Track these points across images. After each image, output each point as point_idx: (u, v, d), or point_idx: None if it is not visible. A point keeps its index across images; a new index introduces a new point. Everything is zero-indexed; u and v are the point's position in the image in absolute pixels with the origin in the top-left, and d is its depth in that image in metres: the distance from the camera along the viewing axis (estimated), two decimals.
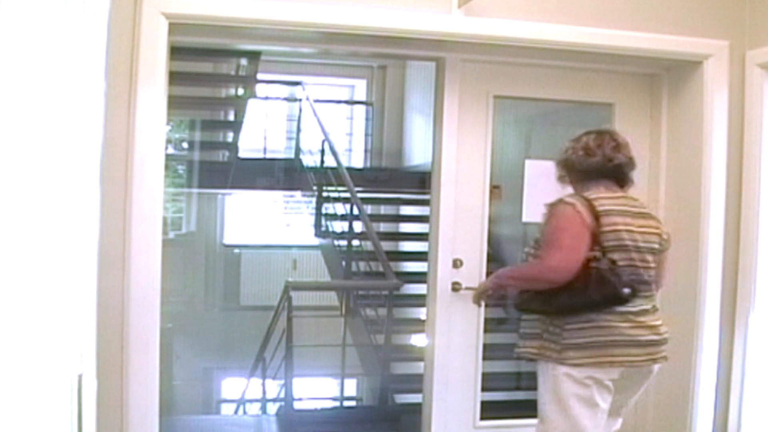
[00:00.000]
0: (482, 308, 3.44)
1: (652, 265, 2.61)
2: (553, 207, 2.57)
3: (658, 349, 2.60)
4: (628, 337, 2.53)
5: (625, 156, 2.64)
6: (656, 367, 2.63)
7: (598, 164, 2.61)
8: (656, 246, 2.62)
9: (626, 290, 2.50)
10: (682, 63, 3.30)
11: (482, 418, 3.55)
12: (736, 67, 3.24)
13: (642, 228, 2.59)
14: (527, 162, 3.76)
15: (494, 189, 3.67)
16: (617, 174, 2.63)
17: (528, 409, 3.00)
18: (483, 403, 3.58)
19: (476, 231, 3.44)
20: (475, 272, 3.45)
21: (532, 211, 3.53)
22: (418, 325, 4.77)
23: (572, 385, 2.50)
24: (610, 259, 2.51)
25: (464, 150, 3.41)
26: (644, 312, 2.57)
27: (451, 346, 3.44)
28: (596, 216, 2.52)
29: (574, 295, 2.49)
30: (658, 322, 2.61)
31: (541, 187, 3.87)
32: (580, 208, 2.51)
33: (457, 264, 3.40)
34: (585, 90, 3.58)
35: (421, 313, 4.18)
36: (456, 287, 3.40)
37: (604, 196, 2.58)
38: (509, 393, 4.63)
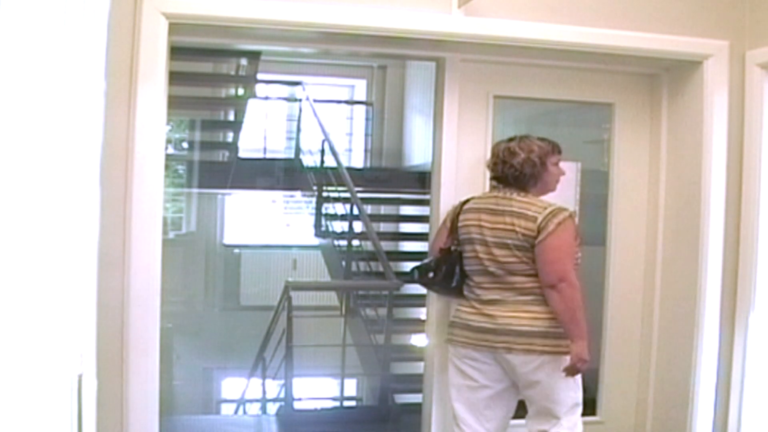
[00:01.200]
0: None
1: (503, 259, 2.85)
2: None
3: (497, 338, 2.83)
4: (464, 321, 2.94)
5: (516, 162, 2.92)
6: (512, 358, 2.82)
7: (494, 170, 2.99)
8: (508, 242, 2.84)
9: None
10: (682, 63, 3.30)
11: None
12: (736, 67, 3.24)
13: (493, 225, 2.88)
14: None
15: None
16: (507, 179, 2.94)
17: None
18: None
19: None
20: None
21: None
22: (418, 325, 4.78)
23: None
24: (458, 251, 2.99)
25: (464, 150, 3.41)
26: (492, 302, 2.88)
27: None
28: (457, 213, 3.03)
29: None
30: (502, 313, 2.85)
31: None
32: (449, 211, 3.13)
33: None
34: (585, 90, 3.57)
35: (421, 313, 4.18)
36: None
37: (477, 197, 3.04)
38: None
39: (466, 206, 3.00)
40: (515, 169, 2.90)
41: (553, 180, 3.02)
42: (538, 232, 2.80)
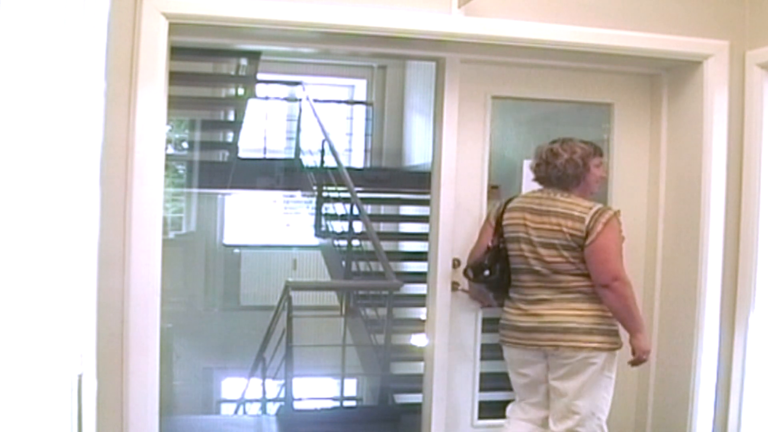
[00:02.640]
0: (479, 309, 3.50)
1: (549, 258, 2.89)
2: None
3: (543, 335, 2.90)
4: (512, 323, 3.00)
5: (560, 163, 2.95)
6: (560, 353, 2.88)
7: (537, 171, 3.03)
8: (555, 242, 2.88)
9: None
10: (682, 63, 3.30)
11: (480, 417, 3.56)
12: (736, 67, 3.24)
13: (538, 224, 2.92)
14: (526, 162, 3.79)
15: (492, 189, 3.69)
16: (552, 179, 2.98)
17: None
18: (481, 402, 3.59)
19: (475, 231, 3.44)
20: None
21: None
22: (418, 325, 4.77)
23: None
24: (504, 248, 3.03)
25: (463, 150, 3.41)
26: (538, 301, 2.92)
27: (451, 345, 3.44)
28: (502, 211, 3.07)
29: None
30: (548, 311, 2.91)
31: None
32: (492, 209, 3.22)
33: (455, 264, 3.39)
34: (584, 90, 3.58)
35: (421, 313, 4.18)
36: (455, 287, 3.40)
37: (525, 196, 3.08)
38: (508, 393, 4.63)
39: (510, 205, 3.04)
40: (558, 170, 2.94)
41: (595, 181, 3.03)
42: (587, 233, 2.84)
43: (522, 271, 2.96)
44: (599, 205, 2.91)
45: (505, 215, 3.03)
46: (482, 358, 3.57)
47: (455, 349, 3.47)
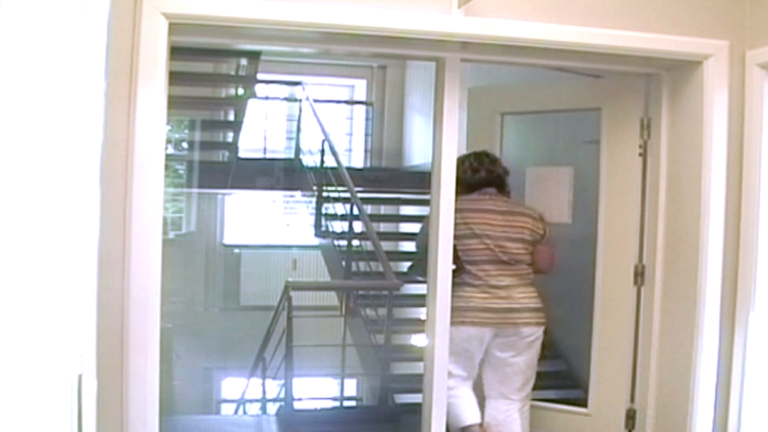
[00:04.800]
0: None
1: (515, 251, 3.49)
2: None
3: (519, 315, 3.47)
4: (482, 304, 3.45)
5: (500, 169, 3.62)
6: (526, 330, 3.48)
7: (480, 177, 3.56)
8: (520, 237, 3.50)
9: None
10: (682, 63, 3.30)
11: None
12: (736, 67, 3.23)
13: (504, 222, 3.48)
14: (527, 169, 4.10)
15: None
16: (494, 183, 3.58)
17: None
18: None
19: None
20: None
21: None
22: (418, 325, 4.77)
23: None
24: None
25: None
26: (504, 287, 3.44)
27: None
28: (461, 213, 3.41)
29: None
30: (516, 294, 3.48)
31: (539, 189, 4.00)
32: None
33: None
34: (578, 96, 3.63)
35: (421, 313, 4.19)
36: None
37: (469, 199, 3.52)
38: None
39: (460, 206, 3.38)
40: (499, 176, 3.59)
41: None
42: (544, 231, 3.60)
43: (486, 262, 3.48)
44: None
45: (459, 215, 3.36)
46: None
47: None
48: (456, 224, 3.32)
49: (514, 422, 3.55)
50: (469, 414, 3.52)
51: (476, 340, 3.48)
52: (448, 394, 3.41)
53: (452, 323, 3.35)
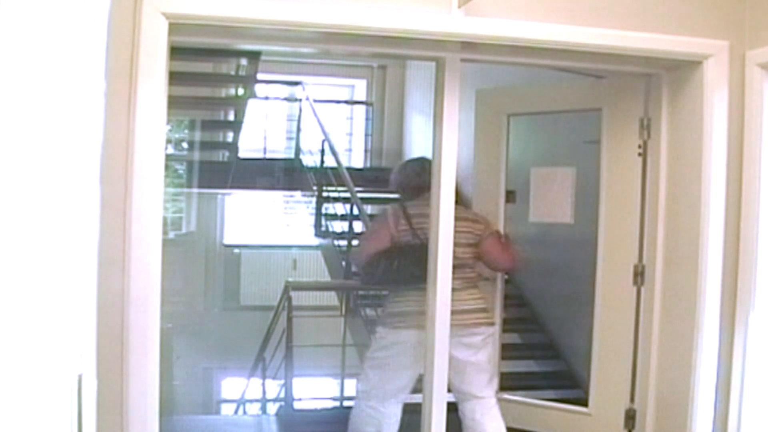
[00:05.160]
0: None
1: (463, 255, 3.51)
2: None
3: (472, 316, 3.54)
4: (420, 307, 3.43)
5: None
6: (480, 329, 3.57)
7: (423, 182, 3.54)
8: (465, 240, 3.54)
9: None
10: (682, 63, 3.30)
11: None
12: (736, 67, 3.23)
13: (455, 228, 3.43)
14: (532, 169, 4.16)
15: (509, 194, 4.17)
16: (428, 187, 3.47)
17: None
18: None
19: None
20: None
21: (537, 212, 3.82)
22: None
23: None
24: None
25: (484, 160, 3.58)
26: (454, 290, 3.38)
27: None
28: (407, 217, 3.55)
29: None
30: (466, 296, 3.53)
31: (543, 190, 4.04)
32: (390, 213, 3.63)
33: None
34: (579, 97, 3.63)
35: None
36: None
37: (414, 204, 3.60)
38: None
39: (412, 211, 3.58)
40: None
41: None
42: (483, 231, 3.65)
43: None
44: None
45: (407, 221, 3.54)
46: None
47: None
48: (404, 230, 3.51)
49: (493, 418, 3.62)
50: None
51: (415, 344, 3.48)
52: (369, 413, 3.59)
53: (408, 327, 3.48)
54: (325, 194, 7.41)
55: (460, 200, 3.71)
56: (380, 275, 3.58)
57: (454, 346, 3.47)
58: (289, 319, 5.18)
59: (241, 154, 8.07)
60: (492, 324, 3.66)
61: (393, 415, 3.62)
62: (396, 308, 3.56)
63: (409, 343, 3.49)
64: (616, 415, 3.69)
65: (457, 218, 3.43)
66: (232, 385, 8.62)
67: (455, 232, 3.41)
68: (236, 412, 7.30)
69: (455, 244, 3.40)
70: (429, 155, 3.44)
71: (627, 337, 3.65)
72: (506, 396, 4.09)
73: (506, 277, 4.28)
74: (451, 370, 3.49)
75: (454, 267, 3.39)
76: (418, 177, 3.64)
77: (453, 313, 3.40)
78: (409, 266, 3.47)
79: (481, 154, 4.22)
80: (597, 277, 3.81)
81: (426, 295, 3.37)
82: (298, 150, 8.25)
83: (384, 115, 9.68)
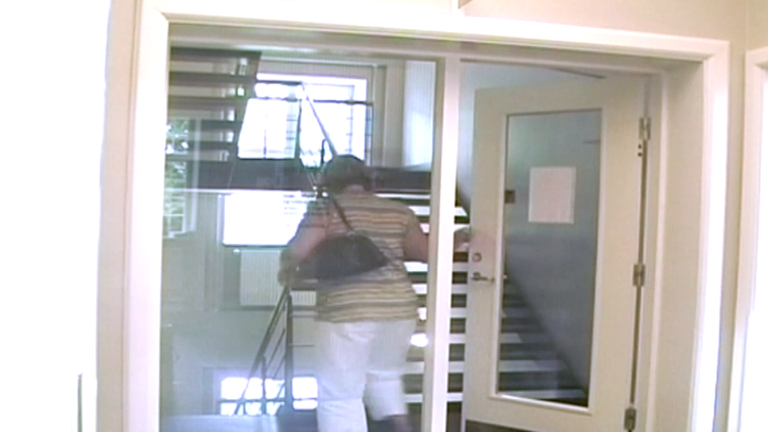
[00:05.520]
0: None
1: (393, 246, 3.61)
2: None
3: (405, 308, 3.60)
4: (372, 300, 3.53)
5: (364, 168, 3.87)
6: (410, 321, 3.64)
7: (348, 174, 3.75)
8: (395, 231, 3.64)
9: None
10: (682, 63, 3.30)
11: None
12: (736, 67, 3.23)
13: (382, 219, 3.61)
14: (531, 169, 4.17)
15: (508, 193, 4.17)
16: (360, 181, 3.75)
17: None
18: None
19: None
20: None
21: (536, 212, 3.83)
22: (419, 325, 4.77)
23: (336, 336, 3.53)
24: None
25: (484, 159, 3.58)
26: (388, 281, 3.55)
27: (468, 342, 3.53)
28: (340, 210, 3.57)
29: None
30: (399, 289, 3.60)
31: (542, 190, 4.05)
32: (322, 207, 3.65)
33: (475, 258, 3.80)
34: (579, 97, 3.63)
35: (421, 313, 4.19)
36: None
37: (344, 197, 3.67)
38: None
39: (345, 204, 3.62)
40: (363, 173, 3.83)
41: None
42: (410, 222, 3.71)
43: (371, 261, 3.54)
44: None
45: (340, 214, 3.58)
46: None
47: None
48: (337, 223, 3.56)
49: (398, 396, 3.75)
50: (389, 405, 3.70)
51: (372, 333, 3.55)
52: (336, 412, 3.59)
53: (345, 320, 3.50)
54: (325, 194, 7.40)
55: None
56: (318, 270, 3.61)
57: (385, 336, 3.56)
58: (289, 319, 5.19)
59: (241, 154, 8.06)
60: (417, 316, 3.69)
61: (358, 409, 3.62)
62: (337, 302, 3.55)
63: (355, 335, 3.52)
64: (616, 415, 3.69)
65: (382, 209, 3.68)
66: (232, 385, 8.61)
67: (383, 222, 3.60)
68: (236, 412, 7.29)
69: (387, 235, 3.58)
70: (357, 155, 3.63)
71: (627, 337, 3.65)
72: (505, 396, 4.10)
73: (505, 276, 4.28)
74: (373, 354, 3.59)
75: (387, 258, 3.54)
76: (342, 172, 3.79)
77: (389, 305, 3.54)
78: (349, 258, 3.50)
79: (480, 154, 4.23)
80: (597, 277, 3.81)
81: (366, 287, 3.51)
82: (298, 150, 8.24)
83: (384, 115, 9.68)
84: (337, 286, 3.55)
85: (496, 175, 4.13)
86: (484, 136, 4.20)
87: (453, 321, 3.47)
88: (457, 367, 4.01)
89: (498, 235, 4.13)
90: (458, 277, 3.71)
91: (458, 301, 3.80)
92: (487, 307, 4.11)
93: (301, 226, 3.69)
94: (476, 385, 4.15)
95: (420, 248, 3.63)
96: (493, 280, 4.10)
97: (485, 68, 4.33)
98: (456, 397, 3.98)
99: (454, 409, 3.62)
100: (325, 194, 3.84)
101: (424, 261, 3.55)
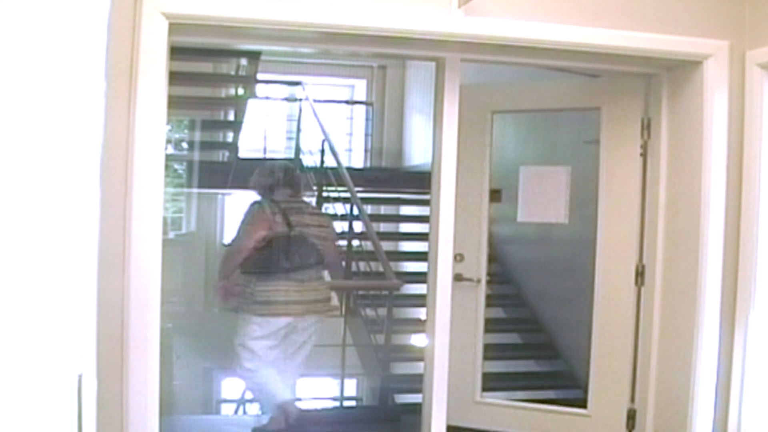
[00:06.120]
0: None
1: (320, 248, 3.91)
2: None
3: (322, 305, 4.00)
4: (294, 297, 3.85)
5: (293, 172, 4.17)
6: (322, 317, 4.03)
7: (278, 178, 4.04)
8: (323, 235, 3.98)
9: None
10: (682, 63, 3.30)
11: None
12: (736, 67, 3.23)
13: (314, 222, 3.97)
14: (522, 168, 4.06)
15: (494, 193, 4.08)
16: (290, 184, 4.04)
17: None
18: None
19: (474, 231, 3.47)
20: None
21: (526, 212, 3.78)
22: (418, 325, 4.77)
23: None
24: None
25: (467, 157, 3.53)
26: (309, 280, 3.89)
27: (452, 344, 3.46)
28: (283, 212, 3.87)
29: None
30: (321, 286, 4.02)
31: (534, 189, 3.97)
32: (266, 207, 3.89)
33: (456, 258, 3.54)
34: (578, 96, 3.63)
35: (421, 313, 4.19)
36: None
37: (285, 200, 3.95)
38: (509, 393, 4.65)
39: (283, 206, 3.90)
40: (293, 177, 4.10)
41: None
42: (332, 228, 4.20)
43: (300, 258, 3.86)
44: None
45: (276, 216, 3.85)
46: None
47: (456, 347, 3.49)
48: (279, 222, 3.80)
49: (294, 386, 4.25)
50: (283, 391, 4.02)
51: (287, 328, 3.88)
52: (254, 375, 3.91)
53: (270, 314, 3.80)
54: (325, 194, 7.41)
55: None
56: (255, 266, 3.83)
57: (300, 329, 3.91)
58: None
59: (241, 154, 8.05)
60: (330, 310, 4.20)
61: (273, 374, 3.94)
62: (262, 297, 3.81)
63: (274, 328, 3.84)
64: (617, 416, 3.68)
65: (316, 214, 4.20)
66: (232, 385, 8.60)
67: (315, 225, 3.97)
68: (236, 412, 7.29)
69: (318, 237, 3.92)
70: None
71: (627, 337, 3.64)
72: (490, 399, 4.03)
73: (488, 278, 4.19)
74: (284, 347, 3.91)
75: (308, 259, 3.86)
76: (270, 177, 4.05)
77: (308, 302, 3.88)
78: (288, 256, 3.80)
79: (465, 151, 4.05)
80: (596, 277, 3.80)
81: (291, 285, 3.81)
82: (298, 150, 8.24)
83: (384, 115, 9.68)
84: (265, 282, 3.82)
85: (481, 173, 4.01)
86: (469, 134, 4.07)
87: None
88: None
89: (483, 235, 3.99)
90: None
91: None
92: (472, 308, 4.01)
93: (245, 224, 3.89)
94: (460, 389, 3.93)
95: (334, 254, 4.17)
96: (479, 281, 4.01)
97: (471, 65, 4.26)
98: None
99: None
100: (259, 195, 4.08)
101: (334, 267, 4.20)
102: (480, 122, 4.02)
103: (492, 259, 6.18)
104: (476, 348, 4.03)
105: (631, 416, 3.65)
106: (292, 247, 3.81)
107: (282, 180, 4.02)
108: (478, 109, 3.99)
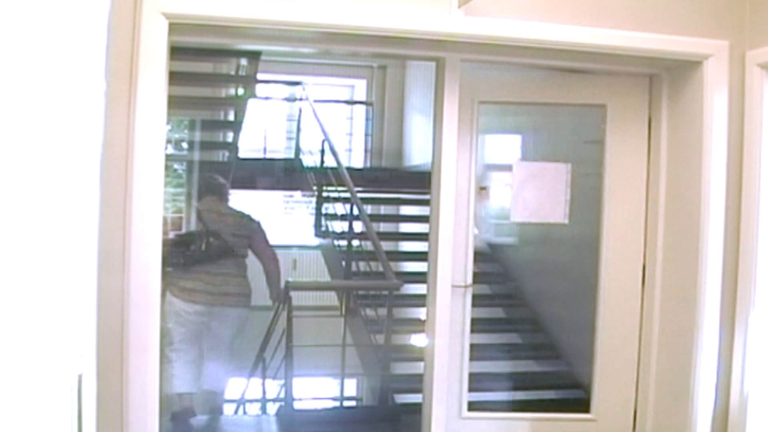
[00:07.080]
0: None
1: (234, 247, 4.61)
2: None
3: (234, 297, 4.63)
4: (208, 288, 4.54)
5: (219, 180, 4.88)
6: (237, 309, 4.65)
7: (207, 185, 4.86)
8: (239, 233, 4.67)
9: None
10: (682, 63, 3.30)
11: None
12: (736, 67, 3.23)
13: (228, 222, 4.67)
14: (516, 163, 3.89)
15: (481, 190, 3.80)
16: (216, 191, 4.82)
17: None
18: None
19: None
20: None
21: (521, 211, 3.67)
22: (418, 325, 4.77)
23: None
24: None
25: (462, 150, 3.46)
26: (224, 274, 4.58)
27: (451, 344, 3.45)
28: (198, 212, 4.72)
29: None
30: (234, 280, 4.64)
31: (530, 187, 3.87)
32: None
33: None
34: (581, 92, 3.61)
35: (421, 313, 4.19)
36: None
37: (203, 202, 4.78)
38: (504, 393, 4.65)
39: (201, 207, 4.74)
40: (224, 187, 4.85)
41: None
42: (255, 228, 4.80)
43: (215, 253, 4.54)
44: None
45: (200, 216, 4.69)
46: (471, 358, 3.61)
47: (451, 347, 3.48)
48: (195, 221, 4.54)
49: (198, 378, 4.65)
50: (187, 384, 4.52)
51: (201, 315, 4.51)
52: (173, 362, 4.41)
53: (184, 300, 4.46)
54: (325, 194, 7.41)
55: None
56: (178, 257, 4.49)
57: (214, 319, 4.54)
58: (289, 319, 5.18)
59: (241, 154, 8.06)
60: (248, 306, 4.68)
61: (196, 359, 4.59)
62: (184, 284, 4.48)
63: (191, 313, 4.48)
64: (624, 420, 3.62)
65: (230, 214, 4.73)
66: (232, 385, 8.60)
67: (228, 225, 4.63)
68: (236, 412, 7.29)
69: (231, 235, 4.58)
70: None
71: (632, 338, 3.60)
72: (509, 415, 3.85)
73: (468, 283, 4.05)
74: (202, 332, 4.54)
75: (225, 256, 4.54)
76: (202, 182, 4.90)
77: (218, 294, 4.50)
78: (200, 248, 4.50)
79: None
80: (600, 277, 3.72)
81: (206, 277, 4.50)
82: (298, 150, 8.25)
83: (384, 115, 9.68)
84: (186, 272, 4.50)
85: (468, 168, 3.59)
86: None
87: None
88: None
89: (469, 235, 3.64)
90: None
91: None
92: (459, 310, 3.59)
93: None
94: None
95: (263, 251, 4.84)
96: (467, 286, 3.62)
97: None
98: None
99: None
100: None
101: (269, 262, 4.84)
102: (465, 112, 3.54)
103: (492, 259, 6.18)
104: (463, 350, 3.64)
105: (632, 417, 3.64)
106: (205, 240, 4.53)
107: (208, 189, 4.80)
108: (465, 100, 3.51)
